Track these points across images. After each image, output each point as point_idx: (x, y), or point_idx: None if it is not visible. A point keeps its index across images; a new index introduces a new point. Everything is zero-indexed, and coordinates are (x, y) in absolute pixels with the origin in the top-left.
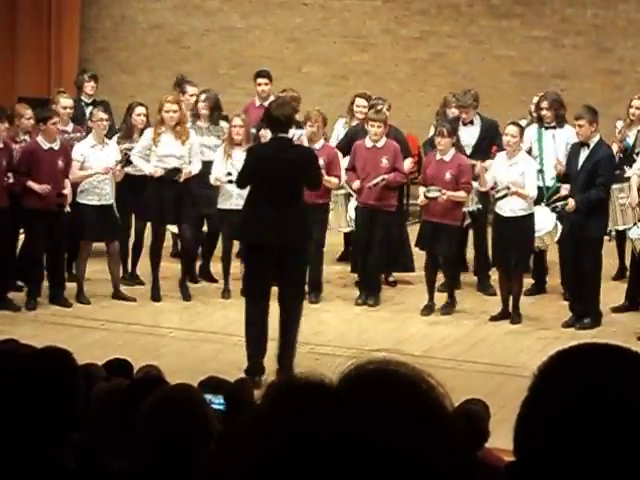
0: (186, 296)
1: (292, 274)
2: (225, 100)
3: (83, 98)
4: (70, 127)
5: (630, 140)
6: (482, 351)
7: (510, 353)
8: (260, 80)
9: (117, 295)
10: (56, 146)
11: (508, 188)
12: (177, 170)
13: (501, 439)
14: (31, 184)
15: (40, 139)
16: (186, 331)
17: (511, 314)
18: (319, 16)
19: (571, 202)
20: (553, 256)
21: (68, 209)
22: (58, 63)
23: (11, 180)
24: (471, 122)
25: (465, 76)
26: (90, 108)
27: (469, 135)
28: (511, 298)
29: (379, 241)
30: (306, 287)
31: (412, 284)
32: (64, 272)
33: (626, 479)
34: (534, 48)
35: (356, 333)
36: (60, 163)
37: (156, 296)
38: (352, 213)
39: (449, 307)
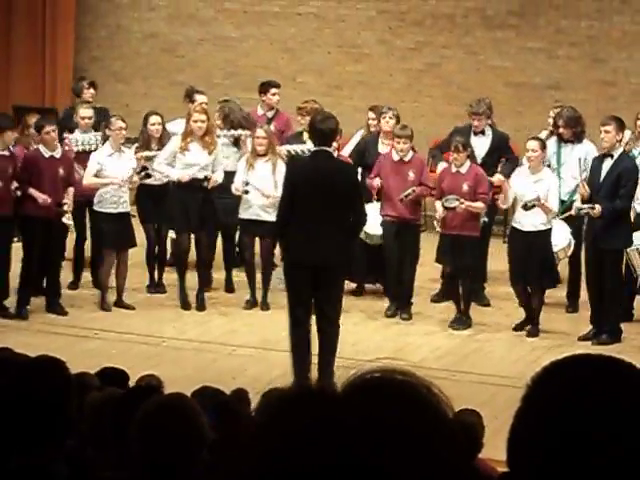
0: (201, 306)
1: (330, 293)
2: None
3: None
4: (89, 135)
5: (636, 152)
6: (476, 361)
7: (504, 364)
8: (273, 90)
9: (119, 304)
10: (57, 154)
11: (538, 199)
12: (206, 178)
13: (495, 449)
14: (32, 192)
15: (42, 147)
16: (180, 340)
17: (529, 326)
18: (314, 26)
19: (597, 207)
20: (561, 269)
21: (69, 219)
22: (53, 72)
23: (13, 187)
24: (482, 132)
25: (460, 87)
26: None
27: (480, 145)
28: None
29: (410, 254)
30: None
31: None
32: (59, 280)
33: None
34: (529, 59)
35: (351, 343)
36: (61, 171)
37: (185, 305)
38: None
39: (463, 323)
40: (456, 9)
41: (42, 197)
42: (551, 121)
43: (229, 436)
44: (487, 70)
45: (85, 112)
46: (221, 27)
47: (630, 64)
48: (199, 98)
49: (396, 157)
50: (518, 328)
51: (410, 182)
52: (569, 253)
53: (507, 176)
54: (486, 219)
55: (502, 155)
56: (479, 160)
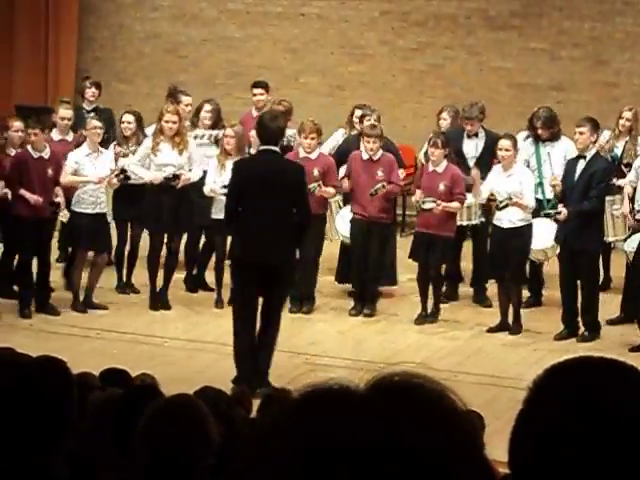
0: (165, 305)
1: (277, 291)
2: (222, 110)
3: (84, 105)
4: (70, 137)
5: (618, 151)
6: (477, 362)
7: (505, 365)
8: (255, 90)
9: (89, 304)
10: (46, 155)
11: (510, 199)
12: (175, 177)
13: (496, 451)
14: (24, 192)
15: (30, 148)
16: (181, 340)
17: (510, 325)
18: (317, 27)
19: (564, 211)
20: (550, 269)
21: (64, 217)
22: (55, 72)
23: (4, 190)
24: (476, 135)
25: (462, 87)
26: (92, 115)
27: (473, 148)
28: (511, 309)
29: (376, 253)
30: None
31: (394, 296)
32: (49, 280)
33: None
34: (531, 60)
35: (351, 344)
36: (50, 172)
37: (155, 305)
38: (339, 223)
39: (432, 316)
40: (459, 10)
41: (34, 198)
42: (621, 122)
43: (233, 438)
44: (489, 71)
45: (64, 112)
46: (224, 27)
47: (633, 65)
48: (184, 99)
49: (365, 156)
50: (492, 330)
51: (378, 181)
52: (557, 252)
53: None
54: (483, 219)
55: (494, 157)
56: (472, 162)
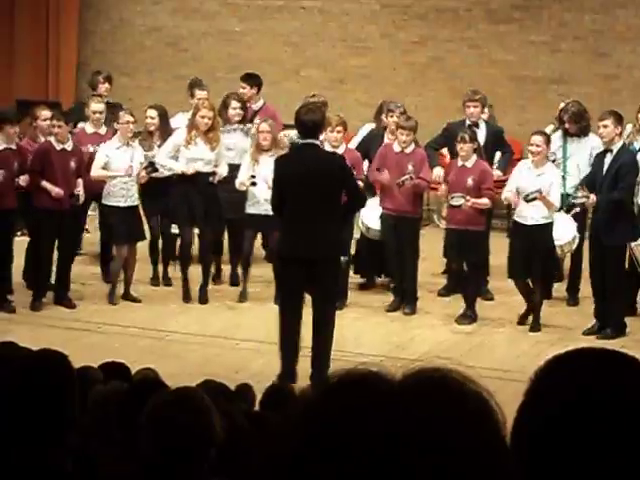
0: (203, 300)
1: (323, 285)
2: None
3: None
4: (103, 130)
5: (637, 145)
6: (479, 356)
7: (508, 358)
8: (241, 83)
9: (126, 297)
10: (69, 147)
11: (540, 192)
12: (212, 173)
13: None
14: (45, 184)
15: (53, 140)
16: (184, 334)
17: (532, 322)
18: (318, 20)
19: (592, 197)
20: (566, 263)
21: (92, 212)
22: (56, 66)
23: (22, 182)
24: (477, 126)
25: (463, 80)
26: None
27: None
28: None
29: (410, 248)
30: None
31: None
32: (70, 273)
33: None
34: (532, 53)
35: (353, 337)
36: (72, 164)
37: (187, 298)
38: (364, 215)
39: (468, 318)
40: (460, 3)
41: (55, 190)
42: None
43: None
44: (490, 64)
45: (96, 106)
46: (225, 21)
47: (634, 58)
48: (199, 93)
49: (397, 148)
50: (521, 321)
51: (408, 173)
52: (573, 247)
53: (504, 170)
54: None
55: (497, 149)
56: None
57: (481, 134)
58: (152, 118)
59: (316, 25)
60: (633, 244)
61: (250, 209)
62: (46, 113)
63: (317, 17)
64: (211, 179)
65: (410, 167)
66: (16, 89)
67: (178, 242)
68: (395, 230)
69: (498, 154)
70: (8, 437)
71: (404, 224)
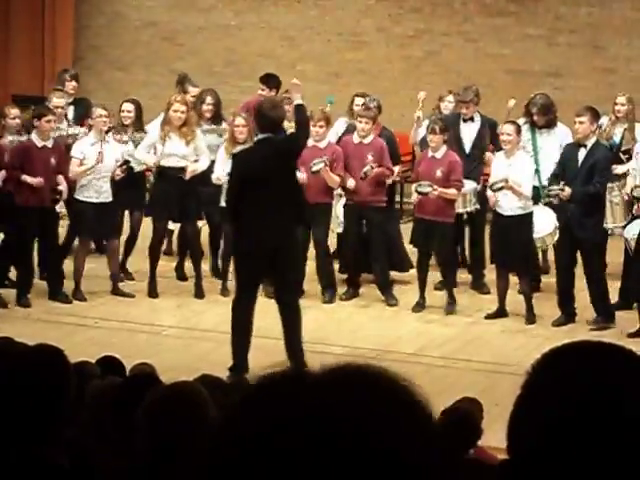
0: (200, 294)
1: (287, 275)
2: (220, 98)
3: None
4: (64, 125)
5: (617, 139)
6: (476, 349)
7: (504, 351)
8: (261, 85)
9: (116, 292)
10: (49, 144)
11: (506, 181)
12: (182, 169)
13: (495, 437)
14: (25, 177)
15: (34, 137)
16: (180, 329)
17: (525, 313)
18: (313, 14)
19: (567, 189)
20: (552, 255)
21: (61, 209)
22: (51, 61)
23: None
24: (471, 119)
25: (459, 74)
26: (71, 107)
27: (469, 132)
28: (506, 297)
29: (376, 239)
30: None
31: (410, 283)
32: (62, 268)
33: (619, 476)
34: (528, 46)
35: (349, 331)
36: (53, 161)
37: (153, 293)
38: (339, 213)
39: (451, 306)
40: None
41: (35, 180)
42: (617, 108)
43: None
44: (486, 57)
45: (57, 101)
46: (221, 15)
47: (630, 51)
48: (191, 90)
49: (356, 140)
50: (490, 317)
51: (368, 164)
52: (555, 238)
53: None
54: (478, 206)
55: (491, 142)
56: (469, 146)
57: (475, 127)
58: (129, 112)
59: (312, 19)
60: (629, 236)
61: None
62: (15, 111)
63: (313, 11)
64: (181, 174)
65: (370, 157)
66: (11, 84)
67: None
68: (360, 220)
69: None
70: (3, 433)
71: (370, 214)
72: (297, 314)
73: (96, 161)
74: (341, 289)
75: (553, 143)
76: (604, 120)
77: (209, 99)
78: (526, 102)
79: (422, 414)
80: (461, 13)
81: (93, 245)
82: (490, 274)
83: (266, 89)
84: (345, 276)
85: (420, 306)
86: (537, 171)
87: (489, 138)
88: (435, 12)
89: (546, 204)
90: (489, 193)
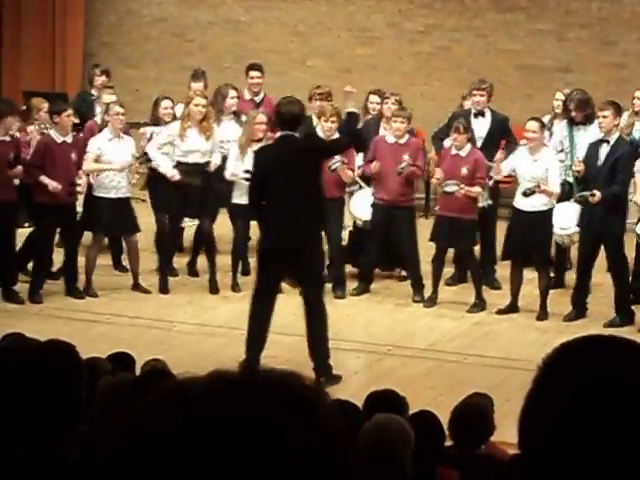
0: (214, 289)
1: (311, 273)
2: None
3: (93, 92)
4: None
5: (637, 134)
6: (487, 345)
7: (515, 347)
8: (253, 73)
9: (136, 287)
10: (69, 139)
11: (538, 186)
12: (206, 163)
13: (506, 433)
14: (43, 179)
15: (53, 132)
16: (191, 325)
17: (538, 310)
18: (323, 9)
19: (598, 193)
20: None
21: (79, 206)
22: (63, 58)
23: (18, 172)
24: (482, 114)
25: (470, 70)
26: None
27: (480, 127)
28: (529, 293)
29: (407, 237)
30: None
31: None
32: (77, 265)
33: (631, 471)
34: (539, 42)
35: (361, 326)
36: (73, 156)
37: (164, 289)
38: (355, 207)
39: (478, 307)
40: None
41: (52, 184)
42: (556, 104)
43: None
44: (497, 53)
45: (108, 97)
46: (231, 10)
47: None
48: (193, 86)
49: (391, 140)
50: (502, 312)
51: (405, 161)
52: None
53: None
54: (490, 202)
55: (502, 137)
56: (479, 142)
57: (486, 122)
58: (171, 108)
59: (322, 15)
60: (638, 231)
61: (238, 199)
62: (47, 105)
63: (323, 6)
64: (207, 169)
65: (406, 157)
66: (23, 80)
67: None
68: (390, 220)
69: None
70: (17, 427)
71: (399, 214)
72: (322, 314)
73: (118, 167)
74: (351, 284)
75: (589, 139)
76: (626, 115)
77: (232, 92)
78: (564, 98)
79: (323, 416)
80: (471, 9)
81: (106, 241)
82: (500, 270)
83: (261, 75)
84: (355, 271)
85: (432, 301)
86: (571, 167)
87: (501, 133)
88: (445, 8)
89: (579, 199)
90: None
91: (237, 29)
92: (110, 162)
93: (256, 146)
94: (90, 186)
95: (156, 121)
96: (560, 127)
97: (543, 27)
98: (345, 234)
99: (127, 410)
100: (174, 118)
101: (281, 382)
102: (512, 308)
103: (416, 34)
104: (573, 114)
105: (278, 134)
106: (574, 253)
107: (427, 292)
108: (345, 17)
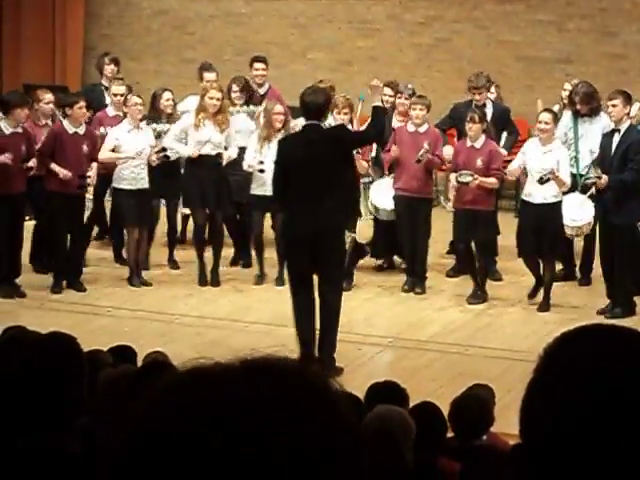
0: (215, 282)
1: (329, 265)
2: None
3: (103, 82)
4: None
5: None
6: (488, 336)
7: (516, 338)
8: (257, 65)
9: (131, 281)
10: (81, 130)
11: (552, 172)
12: (219, 155)
13: (507, 423)
14: (54, 167)
15: (66, 123)
16: (193, 317)
17: (541, 301)
18: (324, 2)
19: (604, 177)
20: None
21: (88, 202)
22: (63, 50)
23: (31, 164)
24: (483, 106)
25: (470, 61)
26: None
27: None
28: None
29: (422, 229)
30: None
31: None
32: (82, 257)
33: (632, 462)
34: (539, 32)
35: (363, 318)
36: (85, 147)
37: (203, 281)
38: (376, 199)
39: (479, 297)
40: None
41: (63, 172)
42: (564, 94)
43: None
44: (497, 44)
45: (117, 89)
46: (231, 3)
47: None
48: (207, 76)
49: (412, 128)
50: (531, 296)
51: (424, 149)
52: (590, 228)
53: (509, 150)
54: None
55: (504, 129)
56: None
57: (488, 114)
58: (172, 100)
59: (322, 7)
60: None
61: (256, 190)
62: (49, 96)
63: None
64: (219, 160)
65: (426, 145)
66: (23, 73)
67: (186, 224)
68: (409, 211)
69: (505, 134)
70: (17, 420)
71: (418, 205)
72: (335, 310)
73: (134, 155)
74: (371, 276)
75: (595, 131)
76: (635, 107)
77: (234, 87)
78: (570, 89)
79: (330, 404)
80: (472, 0)
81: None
82: (501, 261)
83: (266, 67)
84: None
85: (481, 298)
86: (576, 159)
87: (503, 125)
88: None
89: (583, 192)
90: (453, 180)
91: (238, 22)
92: (128, 153)
93: (277, 136)
94: (110, 178)
95: (155, 114)
96: (565, 119)
97: (543, 18)
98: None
99: (130, 402)
100: (174, 110)
101: (290, 370)
102: (537, 288)
103: (416, 26)
104: (578, 107)
105: (303, 123)
106: (577, 248)
107: (429, 283)
108: (345, 9)
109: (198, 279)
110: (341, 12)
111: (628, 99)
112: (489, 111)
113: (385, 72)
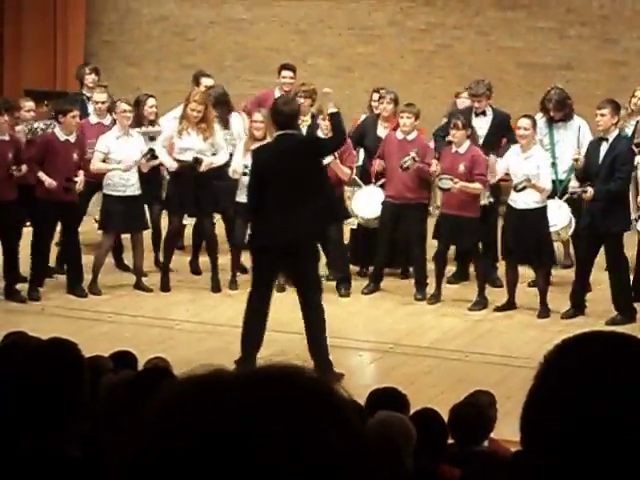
0: (216, 288)
1: (307, 273)
2: (231, 93)
3: (84, 91)
4: (107, 120)
5: (629, 130)
6: (489, 342)
7: (517, 344)
8: (285, 73)
9: (138, 286)
10: (72, 138)
11: (528, 180)
12: (197, 161)
13: (507, 430)
14: (41, 175)
15: (57, 131)
16: (193, 323)
17: (540, 308)
18: (324, 8)
19: (590, 190)
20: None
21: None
22: (64, 56)
23: (23, 171)
24: (483, 113)
25: (471, 68)
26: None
27: (481, 126)
28: (515, 290)
29: (415, 235)
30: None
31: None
32: (81, 263)
33: (633, 469)
34: (540, 39)
35: (363, 324)
36: (75, 155)
37: (165, 287)
38: (357, 206)
39: (480, 304)
40: None
41: (48, 181)
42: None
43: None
44: (498, 51)
45: (99, 96)
46: (232, 9)
47: None
48: (204, 81)
49: (400, 136)
50: (500, 309)
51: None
52: (570, 232)
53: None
54: (492, 199)
55: (504, 136)
56: (482, 140)
57: (487, 120)
58: (155, 107)
59: (323, 13)
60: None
61: (240, 198)
62: (30, 104)
63: (324, 4)
64: (196, 166)
65: (412, 153)
66: (24, 79)
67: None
68: (399, 218)
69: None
70: (18, 425)
71: (408, 211)
72: (319, 313)
73: (124, 168)
74: (358, 284)
75: (570, 136)
76: (622, 113)
77: (151, 101)
78: (541, 98)
79: (341, 413)
80: (473, 6)
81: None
82: (502, 268)
83: (294, 75)
84: (356, 269)
85: (435, 298)
86: (554, 165)
87: (503, 132)
88: (447, 5)
89: (566, 200)
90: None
91: (238, 28)
92: (118, 161)
93: (257, 144)
94: (100, 185)
95: (139, 120)
96: (539, 125)
97: (544, 25)
98: (347, 232)
99: (130, 409)
100: (157, 117)
101: (292, 376)
102: (509, 305)
103: (417, 32)
104: (552, 113)
105: (276, 133)
106: (573, 251)
107: (429, 290)
108: (346, 15)
109: (161, 285)
110: (342, 18)
111: (617, 109)
112: (489, 117)
113: (386, 78)
